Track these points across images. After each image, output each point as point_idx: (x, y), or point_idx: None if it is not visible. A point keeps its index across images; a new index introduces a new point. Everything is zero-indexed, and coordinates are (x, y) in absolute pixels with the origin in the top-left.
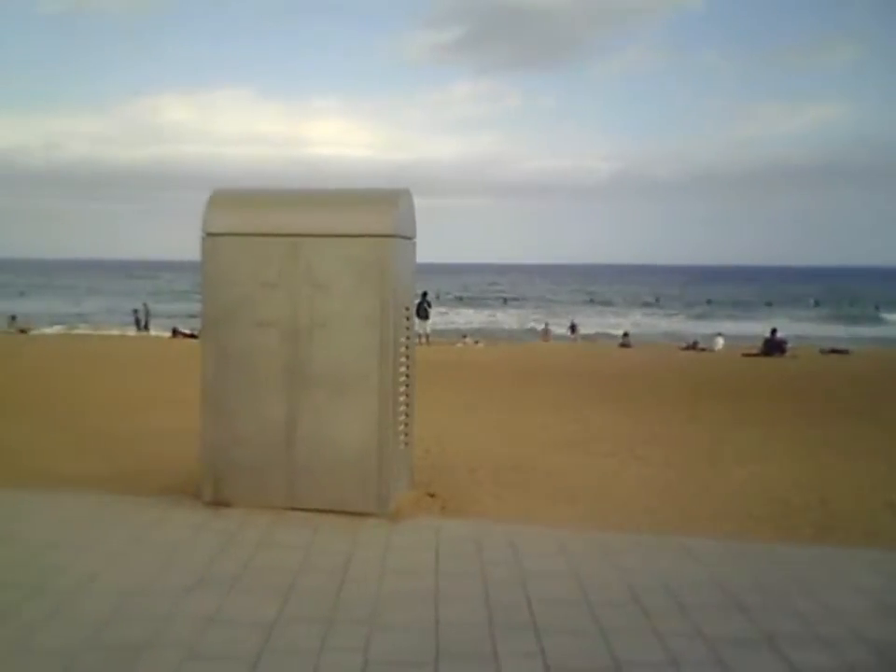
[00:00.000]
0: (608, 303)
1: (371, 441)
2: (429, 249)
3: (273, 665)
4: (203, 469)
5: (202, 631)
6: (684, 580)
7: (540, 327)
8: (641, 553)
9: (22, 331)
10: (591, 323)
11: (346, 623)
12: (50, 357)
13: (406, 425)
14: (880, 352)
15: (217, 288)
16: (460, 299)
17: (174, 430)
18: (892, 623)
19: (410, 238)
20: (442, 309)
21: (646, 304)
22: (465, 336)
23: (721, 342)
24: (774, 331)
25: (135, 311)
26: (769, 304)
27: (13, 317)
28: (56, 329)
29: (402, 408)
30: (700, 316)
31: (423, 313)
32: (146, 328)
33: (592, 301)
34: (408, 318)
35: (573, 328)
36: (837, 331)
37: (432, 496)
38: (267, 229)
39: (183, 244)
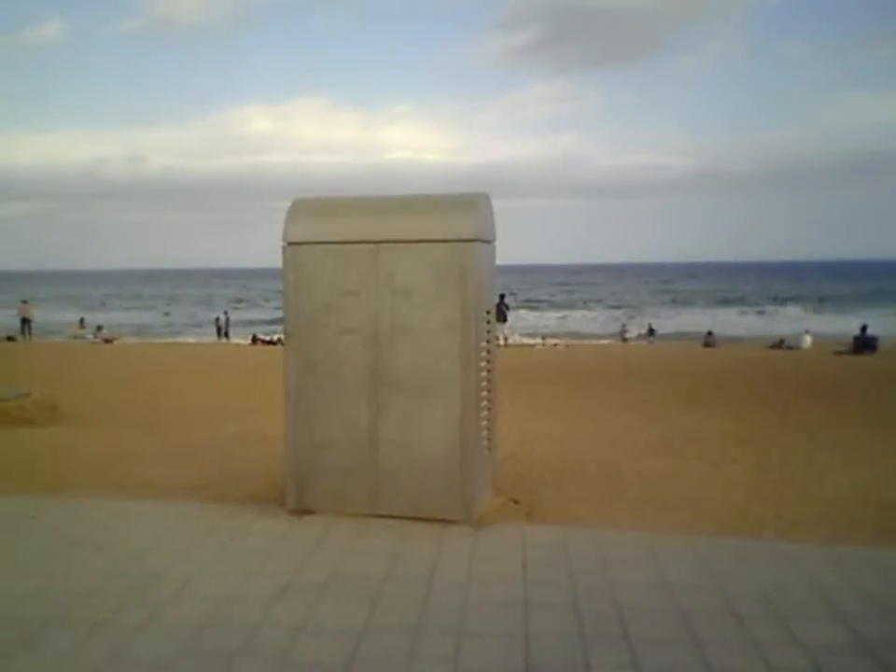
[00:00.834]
0: (688, 303)
1: (455, 446)
2: (507, 251)
3: None
4: (287, 475)
5: (292, 639)
6: (782, 586)
7: (619, 328)
8: (735, 558)
9: (107, 341)
10: (673, 323)
11: (434, 632)
12: (137, 366)
13: (489, 429)
14: None
15: (298, 297)
16: (539, 300)
17: (259, 436)
18: None
19: (489, 242)
20: (521, 311)
21: (727, 302)
22: (544, 338)
23: (808, 339)
24: (864, 328)
25: (217, 319)
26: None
27: (99, 327)
28: (139, 338)
29: (485, 412)
30: (788, 318)
31: (501, 315)
32: (226, 335)
33: (674, 302)
34: (489, 322)
35: (651, 331)
36: None
37: (516, 502)
38: (347, 236)
39: (259, 255)
